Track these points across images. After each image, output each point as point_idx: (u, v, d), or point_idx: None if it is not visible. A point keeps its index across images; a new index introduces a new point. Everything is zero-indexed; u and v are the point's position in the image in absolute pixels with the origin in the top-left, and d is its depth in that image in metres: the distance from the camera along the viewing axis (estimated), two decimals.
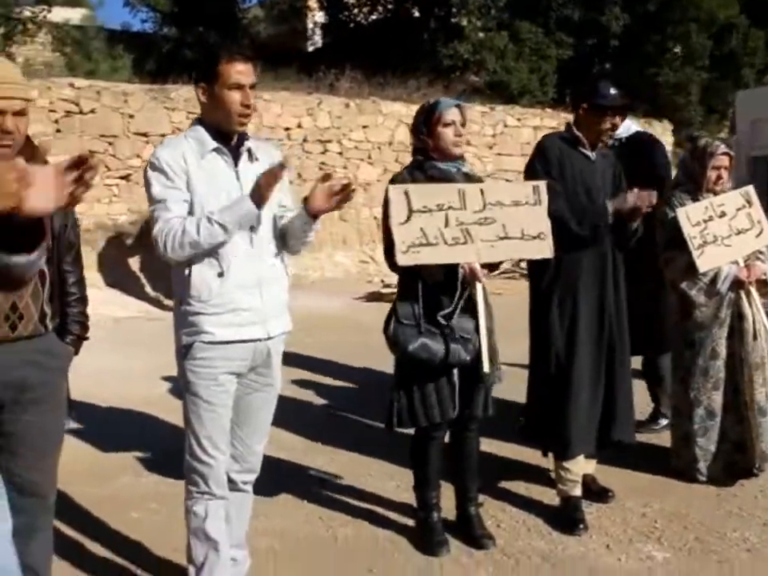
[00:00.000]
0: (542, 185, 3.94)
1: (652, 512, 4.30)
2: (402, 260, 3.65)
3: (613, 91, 4.26)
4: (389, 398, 3.90)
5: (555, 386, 4.25)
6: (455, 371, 3.83)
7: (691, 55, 21.32)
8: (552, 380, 4.25)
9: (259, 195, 2.99)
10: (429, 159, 3.84)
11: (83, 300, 3.14)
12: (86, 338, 3.15)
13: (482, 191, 3.82)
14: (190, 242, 2.97)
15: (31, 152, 2.63)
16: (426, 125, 3.82)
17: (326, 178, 3.18)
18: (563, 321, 4.23)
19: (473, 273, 3.75)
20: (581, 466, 4.30)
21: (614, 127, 4.29)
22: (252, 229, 3.06)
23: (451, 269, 3.76)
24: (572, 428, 4.20)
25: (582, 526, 4.12)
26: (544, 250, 3.90)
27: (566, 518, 4.18)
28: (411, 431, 3.99)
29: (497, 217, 3.79)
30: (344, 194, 3.13)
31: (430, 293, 3.78)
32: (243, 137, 3.19)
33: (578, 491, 4.26)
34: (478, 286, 3.76)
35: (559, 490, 4.29)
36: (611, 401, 4.29)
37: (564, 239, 3.98)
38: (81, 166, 1.74)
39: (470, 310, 3.80)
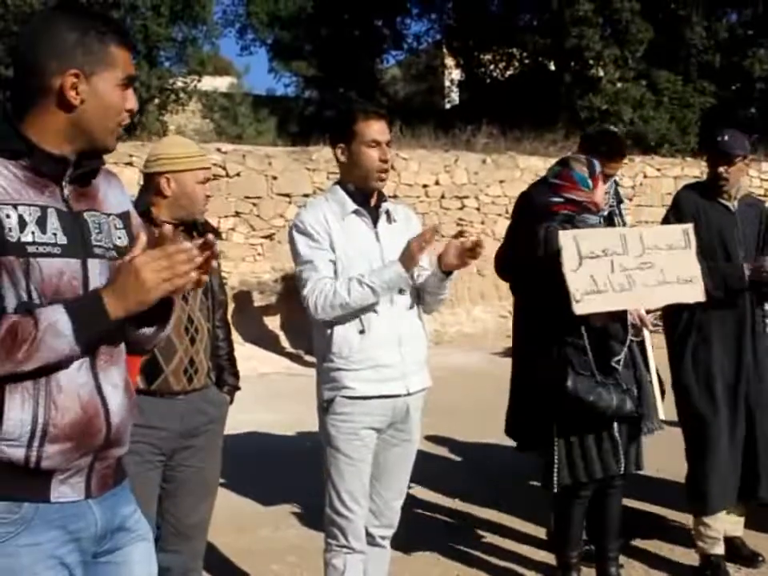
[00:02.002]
0: (690, 227, 3.91)
1: None
2: (579, 309, 3.60)
3: (726, 138, 4.14)
4: (544, 455, 3.84)
5: (692, 440, 4.17)
6: (615, 424, 3.77)
7: None
8: (689, 433, 4.18)
9: (410, 259, 3.07)
10: (579, 212, 3.82)
11: (232, 353, 3.41)
12: (239, 388, 3.41)
13: (640, 236, 3.80)
14: (341, 304, 3.07)
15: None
16: (592, 179, 3.82)
17: (459, 234, 3.22)
18: (698, 373, 4.15)
19: (642, 320, 3.73)
20: (722, 524, 4.14)
21: (721, 175, 4.13)
22: (401, 291, 3.15)
23: (618, 316, 3.75)
24: (710, 483, 4.08)
25: None
26: (698, 293, 3.86)
27: None
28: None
29: (655, 261, 3.77)
30: (474, 251, 3.15)
31: (596, 342, 3.75)
32: (381, 198, 3.29)
33: (719, 549, 4.11)
34: (646, 333, 3.75)
35: (699, 547, 4.15)
36: (753, 460, 4.13)
37: None
38: (206, 249, 1.80)
39: (628, 359, 3.80)
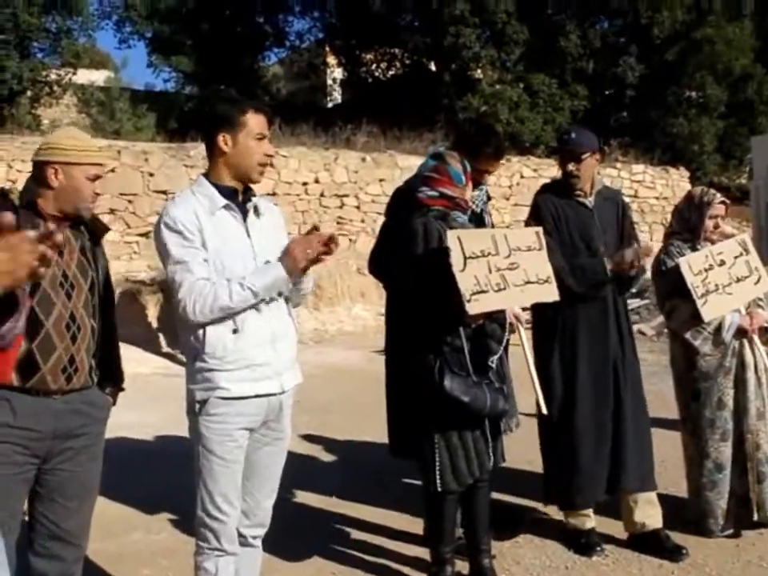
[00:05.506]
0: (540, 230, 4.01)
1: (669, 563, 4.22)
2: (471, 308, 3.58)
3: (572, 136, 4.31)
4: (425, 457, 3.82)
5: (553, 435, 4.30)
6: (486, 422, 3.82)
7: (707, 105, 21.47)
8: (548, 428, 4.31)
9: (293, 263, 3.02)
10: (452, 209, 3.86)
11: (118, 352, 3.33)
12: (123, 389, 3.31)
13: (505, 237, 3.84)
14: (221, 307, 3.01)
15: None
16: (465, 175, 3.87)
17: (314, 229, 3.14)
18: (564, 370, 4.27)
19: (518, 318, 3.81)
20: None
21: (571, 173, 4.29)
22: (280, 294, 3.11)
23: (495, 315, 3.79)
24: (576, 479, 4.22)
25: (598, 548, 4.25)
26: (553, 293, 3.93)
27: (582, 545, 4.29)
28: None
29: (519, 262, 3.82)
30: (328, 246, 3.07)
31: (473, 341, 3.78)
32: (249, 193, 3.24)
33: (590, 524, 4.35)
34: (522, 330, 3.83)
35: (570, 524, 4.37)
36: (620, 450, 4.28)
37: (563, 292, 3.99)
38: (47, 240, 1.76)
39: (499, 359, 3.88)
